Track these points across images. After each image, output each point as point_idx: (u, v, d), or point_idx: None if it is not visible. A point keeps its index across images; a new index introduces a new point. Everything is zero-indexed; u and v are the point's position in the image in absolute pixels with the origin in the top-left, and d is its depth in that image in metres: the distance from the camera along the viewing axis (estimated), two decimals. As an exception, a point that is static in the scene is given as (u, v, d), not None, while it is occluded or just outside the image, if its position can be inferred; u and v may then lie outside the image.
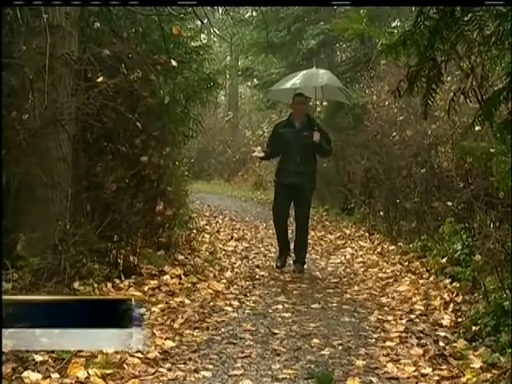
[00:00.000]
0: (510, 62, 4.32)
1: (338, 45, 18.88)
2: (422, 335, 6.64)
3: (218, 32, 20.80)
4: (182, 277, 8.77)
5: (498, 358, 5.50)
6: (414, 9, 10.04)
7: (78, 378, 5.22)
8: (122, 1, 7.15)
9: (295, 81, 10.87)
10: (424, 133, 10.81)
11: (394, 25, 16.79)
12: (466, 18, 4.00)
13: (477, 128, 6.68)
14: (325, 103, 17.18)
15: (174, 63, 9.06)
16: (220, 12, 18.36)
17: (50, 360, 5.40)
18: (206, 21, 10.90)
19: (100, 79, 7.86)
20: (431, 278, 8.76)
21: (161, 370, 5.67)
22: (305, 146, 9.84)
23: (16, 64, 7.10)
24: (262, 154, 10.45)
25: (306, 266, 10.72)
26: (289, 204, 10.29)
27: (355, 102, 15.44)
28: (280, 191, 10.38)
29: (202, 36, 12.88)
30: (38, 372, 5.14)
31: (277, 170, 10.60)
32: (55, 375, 5.17)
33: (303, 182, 9.89)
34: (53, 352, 5.53)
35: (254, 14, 19.21)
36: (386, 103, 12.81)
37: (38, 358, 5.38)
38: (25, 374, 5.04)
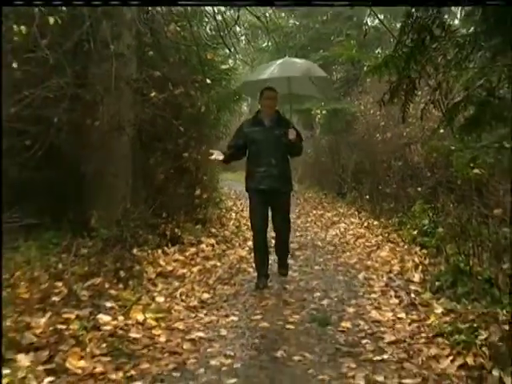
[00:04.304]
0: (466, 80, 4.33)
1: (334, 67, 18.74)
2: (398, 289, 6.65)
3: (242, 57, 20.74)
4: (215, 245, 8.81)
5: (455, 306, 5.54)
6: (392, 40, 9.96)
7: (137, 320, 5.29)
8: (122, 1, 6.06)
9: (272, 70, 7.36)
10: (400, 134, 10.79)
11: (377, 51, 16.70)
12: (433, 46, 4.00)
13: (441, 131, 6.68)
14: (324, 111, 17.12)
15: (208, 81, 9.13)
16: (243, 42, 18.30)
17: (116, 306, 5.48)
18: (232, 49, 10.86)
19: (152, 94, 7.90)
20: (405, 246, 8.73)
21: (199, 315, 5.78)
22: (277, 146, 6.92)
23: (90, 83, 7.15)
24: (221, 157, 6.99)
25: (309, 237, 10.71)
26: (267, 213, 7.14)
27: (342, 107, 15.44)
28: (255, 199, 7.11)
29: (230, 61, 12.83)
30: (108, 315, 5.21)
31: (247, 174, 7.19)
32: (121, 318, 5.24)
33: (280, 185, 6.97)
34: (118, 300, 5.62)
35: (270, 43, 19.16)
36: (371, 112, 12.78)
37: (108, 304, 5.46)
38: (99, 316, 5.11)
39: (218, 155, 6.94)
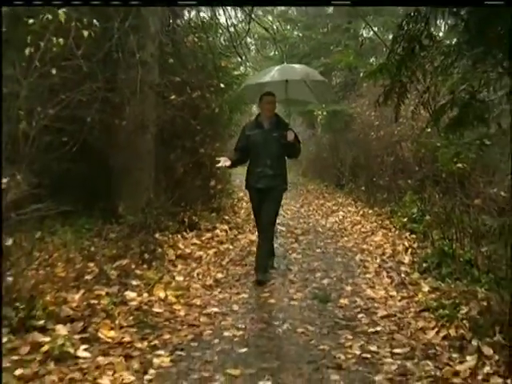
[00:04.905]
0: (451, 84, 4.34)
1: (333, 73, 18.66)
2: (390, 270, 6.69)
3: (251, 64, 20.66)
4: (228, 231, 8.81)
5: (440, 284, 5.60)
6: (385, 49, 9.90)
7: (159, 296, 5.35)
8: (122, 0, 5.40)
9: (272, 75, 6.86)
10: (392, 133, 10.75)
11: (371, 59, 16.66)
12: (422, 54, 4.01)
13: (428, 129, 6.69)
14: (324, 113, 17.11)
15: (222, 86, 9.15)
16: (253, 51, 18.25)
17: (141, 284, 5.53)
18: (243, 57, 10.87)
19: (173, 97, 7.93)
20: (396, 232, 8.74)
21: (214, 292, 5.83)
22: (275, 147, 6.49)
23: (118, 88, 7.18)
24: (228, 163, 6.51)
25: (311, 224, 10.73)
26: None
27: (344, 110, 15.42)
28: (254, 198, 6.72)
29: (241, 67, 12.83)
30: (134, 292, 5.27)
31: (247, 173, 6.81)
32: (145, 294, 5.30)
33: (275, 184, 6.54)
34: (143, 279, 5.67)
35: (277, 52, 19.10)
36: (367, 113, 12.74)
37: (134, 282, 5.52)
38: (126, 292, 5.17)
39: (224, 162, 6.48)
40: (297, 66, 7.57)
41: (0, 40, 4.47)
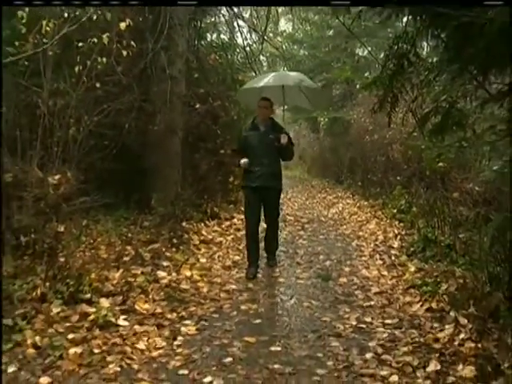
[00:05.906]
0: (434, 95, 4.34)
1: (333, 85, 18.58)
2: (382, 253, 6.69)
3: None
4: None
5: (424, 265, 5.59)
6: (377, 66, 9.84)
7: (186, 275, 5.39)
8: (122, 0, 4.67)
9: (267, 80, 6.32)
10: (384, 137, 10.71)
11: (366, 74, 16.58)
12: (410, 69, 4.01)
13: (415, 134, 6.67)
14: (326, 119, 17.08)
15: (239, 96, 9.18)
16: (266, 67, 18.25)
17: (171, 265, 5.58)
18: (257, 72, 10.88)
19: (197, 106, 7.97)
20: (387, 221, 8.72)
21: (232, 272, 5.86)
22: (270, 148, 5.89)
23: (152, 98, 7.23)
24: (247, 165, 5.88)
25: (315, 214, 10.72)
26: (260, 207, 6.02)
27: (344, 117, 15.37)
28: (250, 196, 5.98)
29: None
30: (165, 271, 5.32)
31: (243, 173, 6.11)
32: (174, 274, 5.34)
33: (271, 183, 5.94)
34: (172, 260, 5.72)
35: (285, 68, 19.08)
36: (362, 119, 12.71)
37: (164, 263, 5.56)
38: (158, 272, 5.22)
39: (244, 162, 5.87)
40: (291, 73, 7.08)
41: (0, 40, 4.40)
